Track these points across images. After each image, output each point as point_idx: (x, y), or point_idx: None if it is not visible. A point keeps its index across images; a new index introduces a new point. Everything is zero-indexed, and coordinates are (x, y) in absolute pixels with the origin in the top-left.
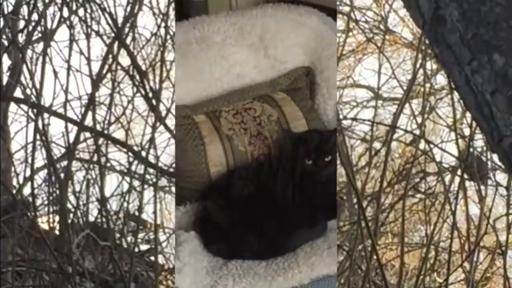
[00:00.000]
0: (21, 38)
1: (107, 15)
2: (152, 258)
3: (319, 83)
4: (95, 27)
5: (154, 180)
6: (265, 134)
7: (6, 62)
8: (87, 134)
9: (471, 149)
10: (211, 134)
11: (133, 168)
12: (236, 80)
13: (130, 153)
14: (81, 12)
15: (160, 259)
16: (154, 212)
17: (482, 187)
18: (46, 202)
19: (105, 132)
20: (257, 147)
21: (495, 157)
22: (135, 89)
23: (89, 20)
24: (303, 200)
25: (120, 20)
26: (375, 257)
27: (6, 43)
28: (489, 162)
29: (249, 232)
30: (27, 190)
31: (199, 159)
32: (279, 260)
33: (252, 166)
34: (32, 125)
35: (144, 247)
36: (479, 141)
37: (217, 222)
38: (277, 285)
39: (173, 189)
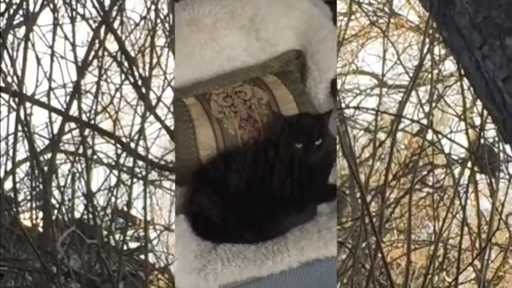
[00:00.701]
0: (1, 22)
1: None
2: (142, 256)
3: (310, 66)
4: (80, 10)
5: (144, 173)
6: (256, 117)
7: None
8: (72, 125)
9: (482, 140)
10: (201, 117)
11: (121, 161)
12: (227, 63)
13: (118, 145)
14: None
15: (151, 258)
16: (144, 208)
17: (494, 180)
18: (29, 197)
19: (92, 122)
20: (247, 130)
21: (508, 148)
22: (123, 77)
23: (74, 2)
24: (293, 183)
25: (107, 3)
26: (379, 255)
27: None
28: (501, 154)
29: (238, 216)
30: (8, 184)
31: (189, 142)
32: (268, 244)
33: (242, 150)
34: (13, 115)
35: (134, 245)
36: (490, 132)
37: (206, 206)
38: (267, 269)
39: (164, 183)
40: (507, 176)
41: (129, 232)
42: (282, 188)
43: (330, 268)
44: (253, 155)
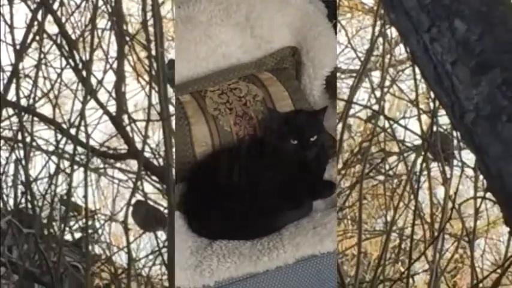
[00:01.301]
0: None
1: None
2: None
3: (305, 63)
4: None
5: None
6: (251, 114)
7: None
8: (11, 111)
9: (435, 127)
10: (196, 114)
11: (64, 148)
12: (222, 60)
13: (58, 131)
14: None
15: (97, 249)
16: (85, 196)
17: (448, 168)
18: None
19: (31, 108)
20: (242, 127)
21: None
22: (63, 60)
23: None
24: (288, 180)
25: None
26: None
27: None
28: (455, 141)
29: (233, 212)
30: None
31: (185, 139)
32: (264, 240)
33: (237, 146)
34: None
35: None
36: (445, 118)
37: (202, 203)
38: (262, 265)
39: (109, 171)
40: (460, 164)
41: (74, 222)
42: (277, 184)
43: (326, 264)
44: (249, 152)
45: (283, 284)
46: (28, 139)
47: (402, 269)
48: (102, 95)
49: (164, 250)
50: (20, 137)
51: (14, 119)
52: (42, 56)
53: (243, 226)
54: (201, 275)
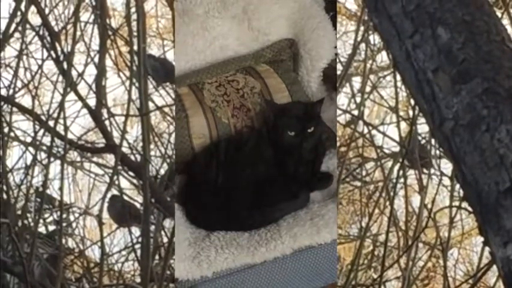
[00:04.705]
0: None
1: None
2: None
3: (302, 55)
4: None
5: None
6: (248, 106)
7: None
8: None
9: (413, 134)
10: (194, 106)
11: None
12: (219, 52)
13: (36, 122)
14: None
15: (71, 242)
16: (61, 189)
17: (424, 176)
18: None
19: (11, 98)
20: (240, 119)
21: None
22: (45, 52)
23: None
24: (285, 171)
25: None
26: None
27: None
28: (433, 149)
29: (231, 204)
30: None
31: (183, 131)
32: (262, 231)
33: (235, 138)
34: None
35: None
36: (424, 126)
37: (200, 194)
38: (260, 256)
39: (86, 164)
40: (438, 173)
41: (48, 215)
42: (274, 175)
43: (324, 255)
44: (246, 143)
45: (280, 275)
46: (6, 129)
47: (375, 276)
48: (83, 89)
49: (138, 246)
50: None
51: None
52: (24, 46)
53: (240, 217)
54: (199, 266)
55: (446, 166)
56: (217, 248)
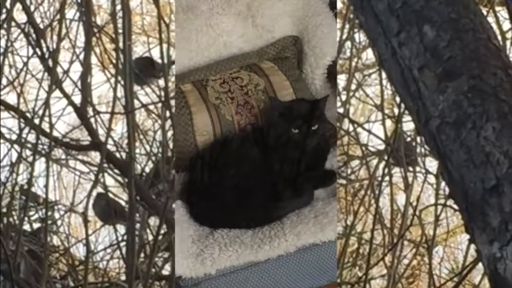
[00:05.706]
0: None
1: None
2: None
3: (306, 53)
4: None
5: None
6: (252, 103)
7: None
8: None
9: (399, 132)
10: (198, 103)
11: (28, 137)
12: (223, 49)
13: (22, 120)
14: None
15: (56, 240)
16: (46, 186)
17: (410, 174)
18: None
19: None
20: (244, 116)
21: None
22: (30, 49)
23: None
24: (289, 169)
25: None
26: None
27: None
28: (419, 147)
29: (235, 201)
30: None
31: (186, 128)
32: (265, 229)
33: (239, 135)
34: None
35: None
36: (409, 123)
37: (204, 192)
38: (264, 253)
39: (71, 162)
40: (423, 171)
41: (33, 212)
42: (278, 173)
43: (327, 252)
44: (250, 141)
45: (284, 273)
46: None
47: (360, 274)
48: (68, 86)
49: (123, 244)
50: None
51: None
52: (9, 43)
53: (244, 215)
54: (203, 263)
55: (432, 164)
56: (221, 246)
